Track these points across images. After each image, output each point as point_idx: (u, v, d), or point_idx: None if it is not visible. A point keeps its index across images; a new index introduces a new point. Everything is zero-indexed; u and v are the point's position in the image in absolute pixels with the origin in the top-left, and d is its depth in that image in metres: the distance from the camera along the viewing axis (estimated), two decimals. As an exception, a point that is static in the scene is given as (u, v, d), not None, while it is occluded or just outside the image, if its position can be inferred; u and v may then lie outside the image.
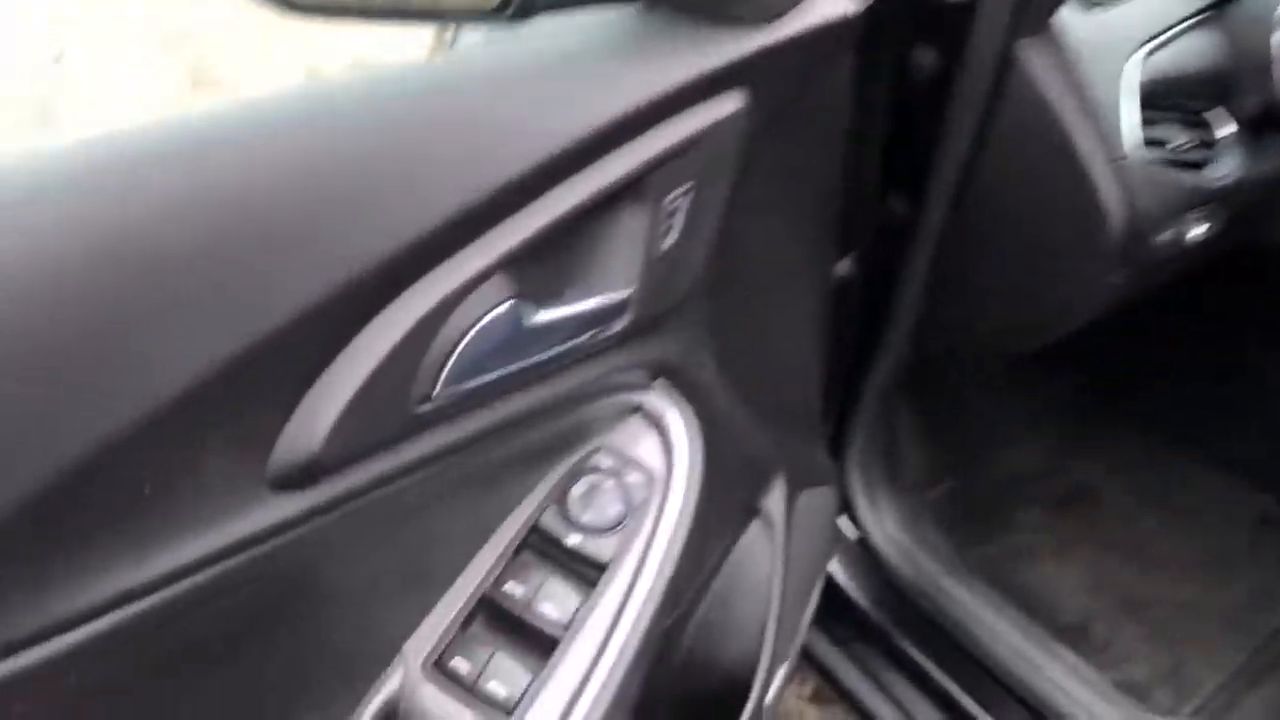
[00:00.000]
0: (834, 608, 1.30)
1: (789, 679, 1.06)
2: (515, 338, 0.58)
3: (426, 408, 0.55)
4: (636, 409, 0.74)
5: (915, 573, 1.29)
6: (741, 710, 0.89)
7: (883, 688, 1.32)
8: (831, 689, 1.36)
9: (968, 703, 1.25)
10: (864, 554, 1.32)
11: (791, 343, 1.00)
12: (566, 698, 0.64)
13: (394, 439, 0.55)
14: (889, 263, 1.07)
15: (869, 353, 1.17)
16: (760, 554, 0.92)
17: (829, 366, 1.09)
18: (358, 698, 0.63)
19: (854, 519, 1.31)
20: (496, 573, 0.67)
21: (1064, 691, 1.20)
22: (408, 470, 0.56)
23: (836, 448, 1.25)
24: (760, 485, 0.92)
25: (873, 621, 1.33)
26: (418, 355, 0.52)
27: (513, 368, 0.59)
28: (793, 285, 0.96)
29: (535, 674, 0.64)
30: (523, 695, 0.63)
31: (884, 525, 1.31)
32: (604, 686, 0.65)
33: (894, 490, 1.32)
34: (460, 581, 0.66)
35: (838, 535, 1.31)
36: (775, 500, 0.93)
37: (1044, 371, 1.67)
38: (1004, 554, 1.47)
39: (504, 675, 0.64)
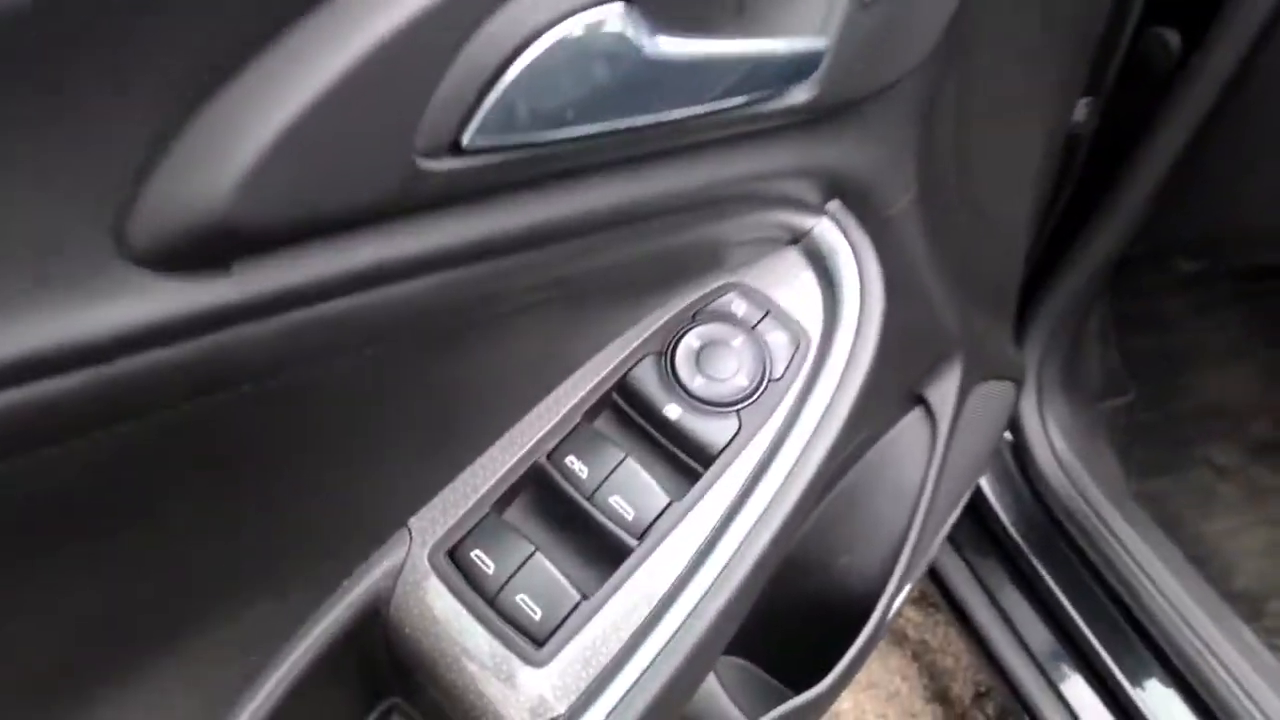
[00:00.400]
0: (967, 511, 1.09)
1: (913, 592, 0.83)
2: (620, 72, 0.31)
3: (446, 165, 0.29)
4: (797, 238, 0.48)
5: (1071, 492, 1.09)
6: (859, 631, 0.65)
7: (1001, 610, 1.14)
8: (940, 595, 1.14)
9: (1101, 652, 1.03)
10: (1017, 460, 1.08)
11: (1005, 198, 0.73)
12: (624, 639, 0.41)
13: (380, 209, 0.29)
14: (1137, 116, 0.82)
15: (1080, 228, 0.94)
16: (913, 454, 0.68)
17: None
18: (335, 582, 0.42)
19: (1013, 420, 1.09)
20: (554, 441, 0.43)
21: (1224, 667, 0.99)
22: (410, 270, 0.31)
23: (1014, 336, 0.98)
24: (933, 369, 0.66)
25: (1009, 536, 1.12)
26: (435, 65, 0.26)
27: (610, 125, 0.32)
28: (1025, 122, 0.71)
29: (586, 595, 0.42)
30: (561, 624, 0.41)
31: (1048, 433, 1.11)
32: (683, 627, 0.41)
33: (1068, 396, 1.09)
34: (498, 447, 0.43)
35: None
36: (946, 391, 0.68)
37: (1267, 289, 1.32)
38: (1179, 492, 1.22)
39: (541, 590, 0.41)
